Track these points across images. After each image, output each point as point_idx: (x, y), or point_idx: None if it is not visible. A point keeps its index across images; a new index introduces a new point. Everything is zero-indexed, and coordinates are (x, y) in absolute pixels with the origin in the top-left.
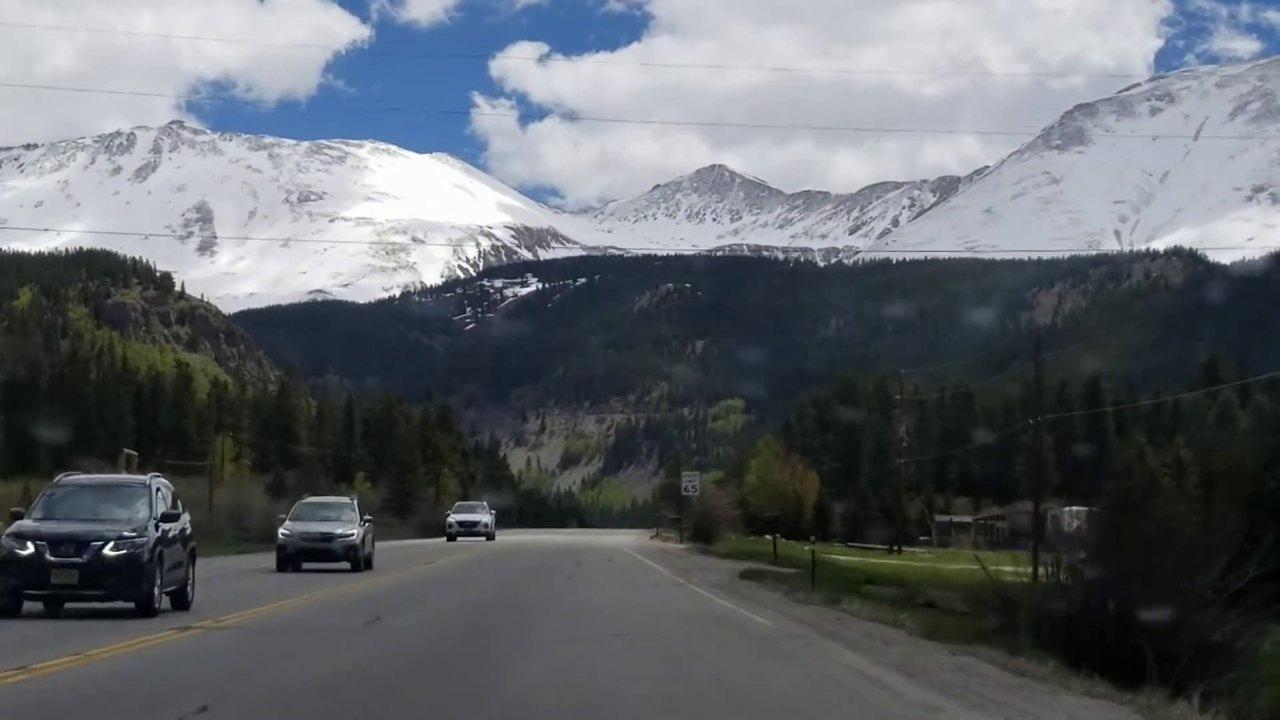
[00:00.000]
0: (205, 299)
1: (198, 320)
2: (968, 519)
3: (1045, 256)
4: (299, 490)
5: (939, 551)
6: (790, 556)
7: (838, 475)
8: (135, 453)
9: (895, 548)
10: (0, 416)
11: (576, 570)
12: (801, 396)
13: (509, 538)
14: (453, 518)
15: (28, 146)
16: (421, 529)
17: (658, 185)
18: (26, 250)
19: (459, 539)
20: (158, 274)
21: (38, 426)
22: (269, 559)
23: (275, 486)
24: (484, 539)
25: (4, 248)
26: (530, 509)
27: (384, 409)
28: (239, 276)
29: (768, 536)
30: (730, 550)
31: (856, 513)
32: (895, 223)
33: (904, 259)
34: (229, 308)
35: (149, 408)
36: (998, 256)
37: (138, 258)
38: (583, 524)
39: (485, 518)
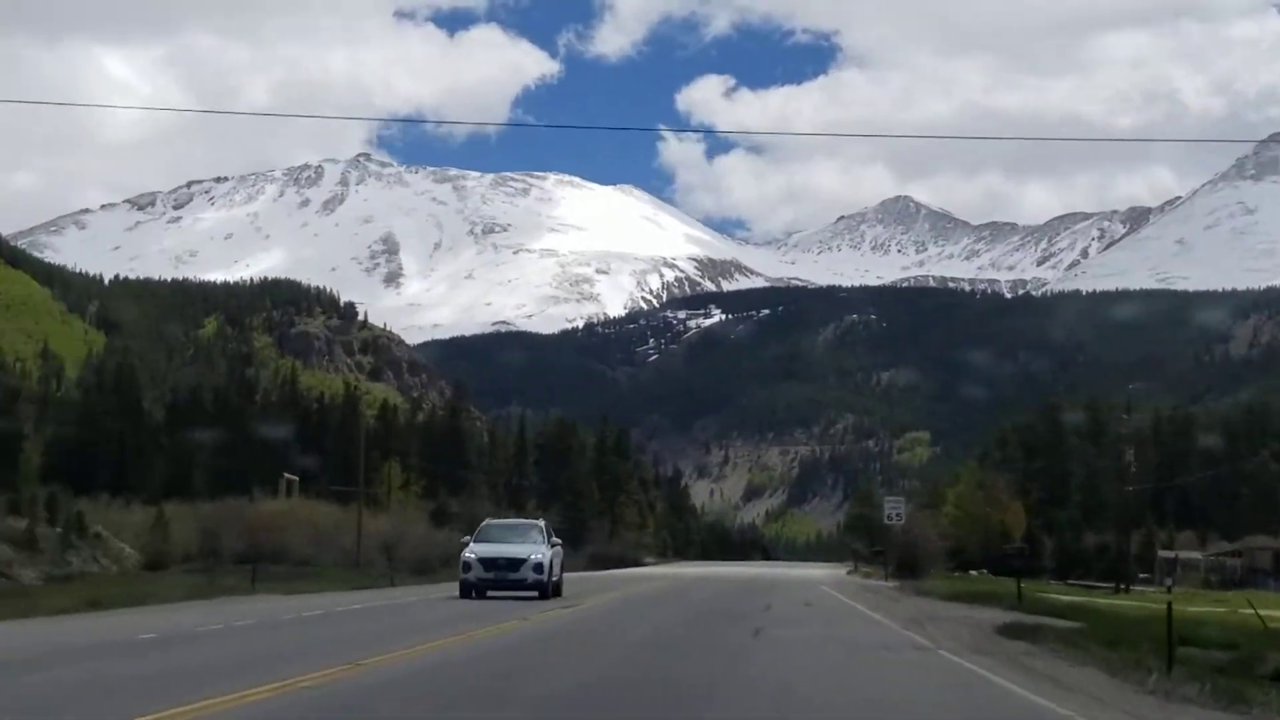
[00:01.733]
0: (388, 329)
1: (380, 350)
2: (1196, 555)
3: (1240, 288)
4: (462, 519)
5: (1178, 592)
6: (1040, 600)
7: (1043, 506)
8: (296, 478)
9: (1123, 586)
10: (165, 440)
11: (766, 618)
12: (1003, 422)
13: (688, 570)
14: (471, 551)
15: (218, 179)
16: (593, 561)
17: (842, 217)
18: (213, 280)
19: (487, 593)
20: (341, 303)
21: (200, 450)
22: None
23: (438, 514)
24: (534, 596)
25: (194, 278)
26: (713, 541)
27: (558, 433)
28: (424, 307)
29: (973, 573)
30: (952, 590)
31: (1068, 547)
32: (1084, 254)
33: (1094, 290)
34: (414, 339)
35: (315, 432)
36: (1190, 288)
37: (322, 287)
38: (767, 556)
39: (538, 553)
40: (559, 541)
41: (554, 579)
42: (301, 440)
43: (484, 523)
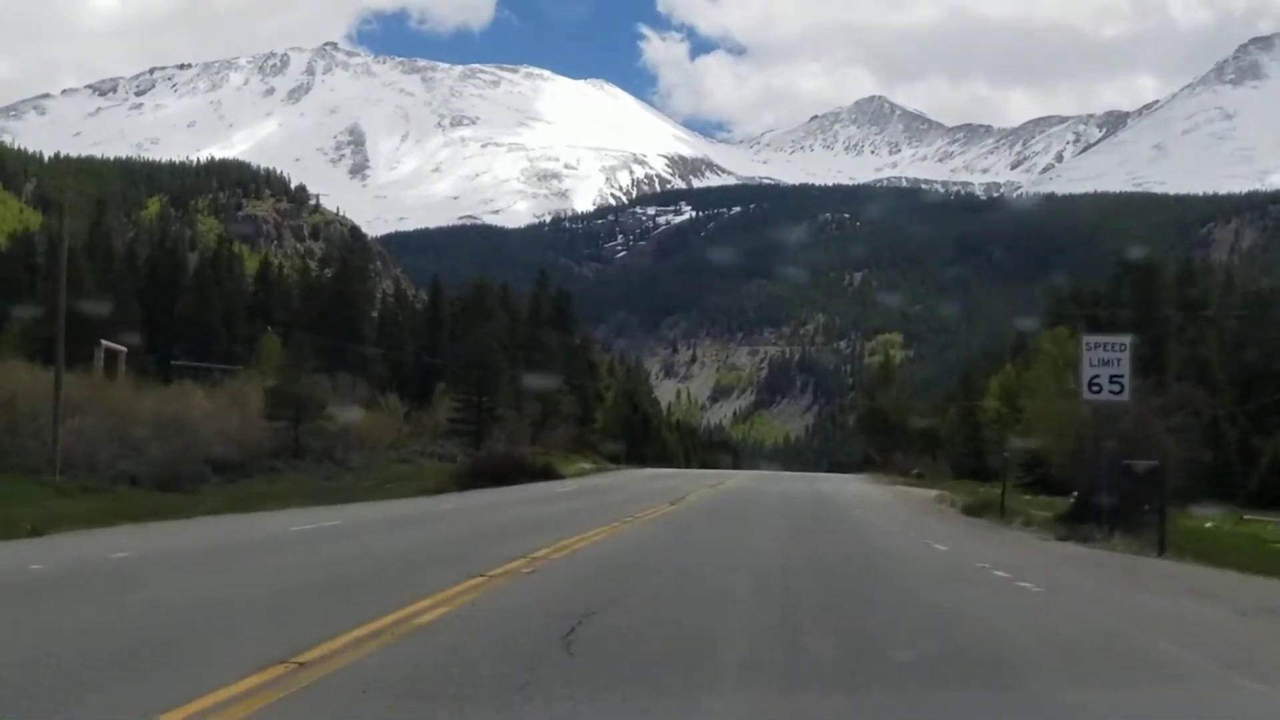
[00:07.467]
0: (341, 213)
1: (332, 235)
2: None
3: (1220, 192)
4: (292, 402)
5: None
6: None
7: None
8: (122, 349)
9: None
10: None
11: None
12: (1063, 288)
13: (631, 482)
14: None
15: (181, 66)
16: (475, 473)
17: (815, 116)
18: (157, 159)
19: None
20: (292, 187)
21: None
22: None
23: (279, 398)
24: None
25: (140, 158)
26: (677, 443)
27: (476, 297)
28: (389, 199)
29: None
30: None
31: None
32: (1059, 158)
33: (1068, 194)
34: (378, 230)
35: (163, 292)
36: (1168, 192)
37: (272, 169)
38: (736, 460)
39: None
40: None
41: None
42: (144, 302)
43: None
